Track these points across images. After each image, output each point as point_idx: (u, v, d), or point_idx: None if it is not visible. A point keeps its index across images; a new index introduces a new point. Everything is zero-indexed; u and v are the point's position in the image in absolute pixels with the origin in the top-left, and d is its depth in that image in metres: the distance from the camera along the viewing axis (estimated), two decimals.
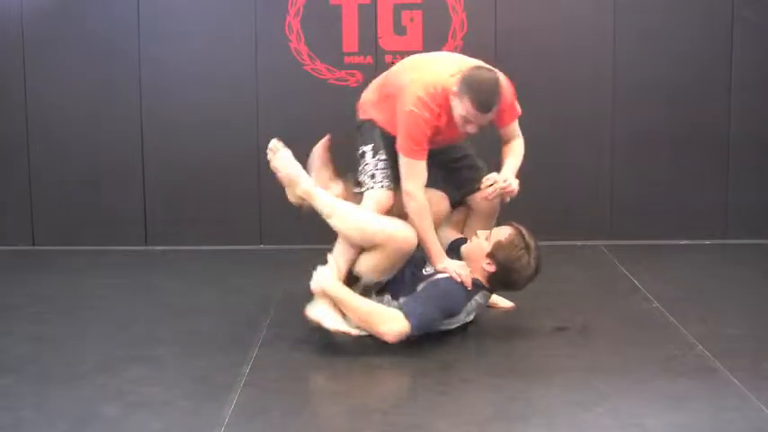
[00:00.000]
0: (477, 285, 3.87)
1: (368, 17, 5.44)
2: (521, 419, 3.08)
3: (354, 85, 5.40)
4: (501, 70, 5.38)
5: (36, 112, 5.53)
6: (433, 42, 5.42)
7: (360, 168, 3.96)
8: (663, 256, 5.29)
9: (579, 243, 5.54)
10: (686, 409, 3.13)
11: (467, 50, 5.39)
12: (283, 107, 5.46)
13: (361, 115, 4.05)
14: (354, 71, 5.47)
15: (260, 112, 5.52)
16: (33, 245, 5.62)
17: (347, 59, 5.48)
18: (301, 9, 5.45)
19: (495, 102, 3.70)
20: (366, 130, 3.98)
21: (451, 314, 3.77)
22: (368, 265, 3.83)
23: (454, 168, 4.14)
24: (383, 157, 3.90)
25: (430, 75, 3.81)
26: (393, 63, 5.37)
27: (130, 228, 5.61)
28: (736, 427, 3.00)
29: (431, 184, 3.95)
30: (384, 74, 4.10)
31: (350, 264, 3.86)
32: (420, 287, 3.81)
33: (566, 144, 5.54)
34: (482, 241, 3.88)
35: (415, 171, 3.78)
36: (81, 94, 5.52)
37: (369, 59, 5.46)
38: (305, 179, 3.98)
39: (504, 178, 3.89)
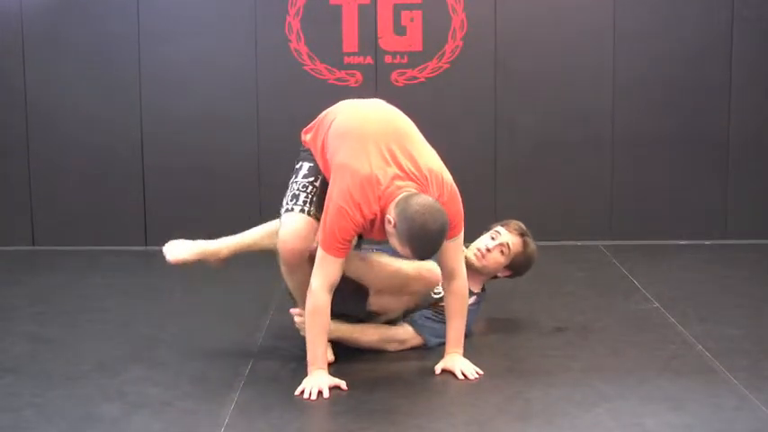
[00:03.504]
0: (480, 295, 3.92)
1: (368, 17, 5.44)
2: (521, 419, 3.08)
3: (354, 85, 5.41)
4: (501, 71, 5.48)
5: (36, 112, 5.53)
6: (433, 42, 5.44)
7: (289, 184, 3.59)
8: (663, 257, 5.28)
9: (579, 243, 5.55)
10: (686, 409, 3.12)
11: (467, 50, 5.45)
12: (283, 107, 5.46)
13: (308, 145, 3.63)
14: (354, 71, 5.47)
15: (260, 113, 5.52)
16: (33, 245, 5.62)
17: (347, 60, 5.47)
18: (301, 9, 5.45)
19: (436, 250, 3.28)
20: (309, 153, 3.61)
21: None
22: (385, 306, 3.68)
23: None
24: (317, 183, 3.52)
25: (365, 168, 3.28)
26: (393, 63, 5.48)
27: (130, 228, 5.61)
28: (735, 427, 3.00)
29: None
30: (325, 119, 3.58)
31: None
32: (432, 310, 3.76)
33: (565, 144, 5.54)
34: (498, 257, 3.88)
35: (326, 268, 3.32)
36: (81, 93, 5.51)
37: (369, 59, 5.46)
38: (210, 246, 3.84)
39: (461, 369, 3.46)
